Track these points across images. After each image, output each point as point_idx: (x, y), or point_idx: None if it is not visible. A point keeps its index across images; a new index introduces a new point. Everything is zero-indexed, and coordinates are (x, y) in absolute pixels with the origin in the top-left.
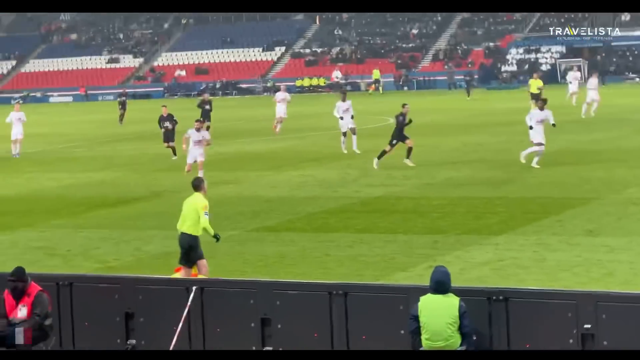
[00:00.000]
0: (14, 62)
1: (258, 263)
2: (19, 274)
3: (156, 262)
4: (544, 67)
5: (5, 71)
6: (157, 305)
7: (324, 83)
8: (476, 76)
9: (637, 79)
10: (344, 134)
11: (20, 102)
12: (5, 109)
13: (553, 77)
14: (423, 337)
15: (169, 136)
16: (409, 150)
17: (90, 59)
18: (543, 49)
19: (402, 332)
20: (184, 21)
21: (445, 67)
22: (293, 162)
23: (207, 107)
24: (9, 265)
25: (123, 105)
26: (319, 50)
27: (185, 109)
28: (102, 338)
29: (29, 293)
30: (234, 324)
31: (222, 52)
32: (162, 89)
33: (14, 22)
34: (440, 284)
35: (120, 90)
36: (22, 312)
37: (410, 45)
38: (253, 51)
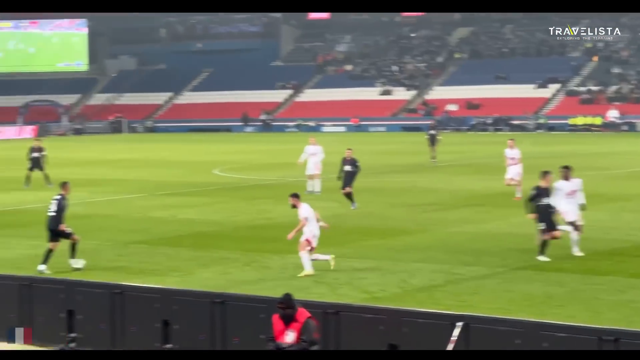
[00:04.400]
0: (290, 91)
1: (524, 302)
2: (288, 301)
3: (421, 295)
4: None
5: (282, 100)
6: (422, 338)
7: (600, 122)
8: None
9: None
10: None
11: (314, 138)
12: (279, 136)
13: None
14: None
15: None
16: None
17: (363, 90)
18: None
19: None
20: (457, 55)
21: None
22: None
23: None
24: (277, 290)
25: (432, 140)
26: (595, 88)
27: (455, 143)
28: None
29: (297, 319)
30: None
31: (494, 88)
32: (431, 122)
33: (292, 52)
34: None
35: (429, 122)
36: (290, 337)
37: None
38: (526, 87)
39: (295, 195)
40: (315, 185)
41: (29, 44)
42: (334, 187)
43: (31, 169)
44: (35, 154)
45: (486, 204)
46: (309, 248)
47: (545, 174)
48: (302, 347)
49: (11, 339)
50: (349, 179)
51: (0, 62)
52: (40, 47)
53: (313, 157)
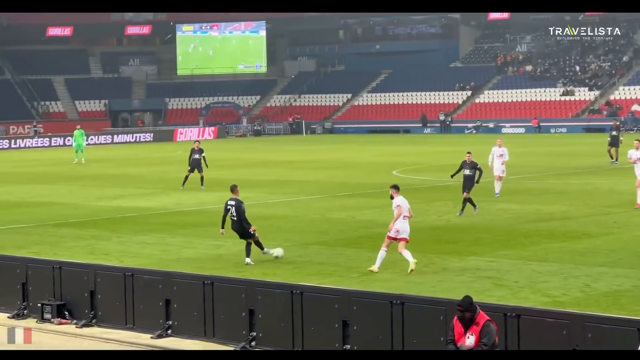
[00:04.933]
0: (469, 92)
1: None
2: (467, 304)
3: (605, 300)
4: None
5: (460, 101)
6: (607, 345)
7: None
8: None
9: None
10: None
11: (501, 139)
12: (458, 137)
13: None
14: None
15: None
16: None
17: (544, 91)
18: None
19: None
20: None
21: None
22: None
23: None
24: (456, 292)
25: (615, 141)
26: None
27: None
28: None
29: (477, 322)
30: None
31: None
32: (615, 122)
33: (471, 52)
34: None
35: (612, 123)
36: (469, 340)
37: None
38: None
39: (394, 187)
40: (496, 187)
41: (208, 47)
42: (513, 188)
43: (191, 171)
44: (196, 156)
45: None
46: (401, 244)
47: None
48: (481, 351)
49: (196, 336)
50: (468, 183)
51: (180, 65)
52: (220, 49)
53: (499, 158)
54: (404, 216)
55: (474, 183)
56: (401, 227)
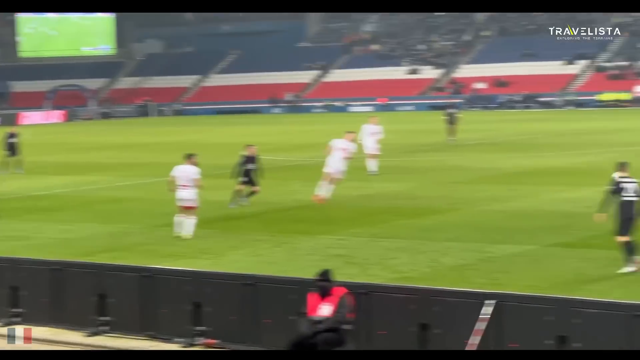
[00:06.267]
0: (317, 72)
1: (555, 279)
2: (324, 274)
3: (452, 274)
4: None
5: (309, 80)
6: (453, 317)
7: (630, 97)
8: None
9: None
10: None
11: (376, 116)
12: (307, 117)
13: None
14: None
15: None
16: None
17: (390, 70)
18: None
19: None
20: (484, 33)
21: None
22: (594, 178)
23: None
24: (308, 271)
25: (451, 118)
26: (623, 63)
27: (483, 121)
28: (396, 347)
29: (334, 293)
30: (528, 340)
31: (522, 65)
32: (461, 100)
33: (319, 32)
34: None
35: (448, 101)
36: (326, 309)
37: None
38: (554, 64)
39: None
40: (372, 165)
41: (51, 28)
42: (362, 166)
43: (9, 155)
44: (11, 140)
45: (515, 181)
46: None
47: (623, 165)
48: (335, 319)
49: (47, 322)
50: (254, 177)
51: (22, 46)
52: (64, 30)
53: (373, 136)
54: (181, 185)
55: (258, 177)
56: (182, 196)
